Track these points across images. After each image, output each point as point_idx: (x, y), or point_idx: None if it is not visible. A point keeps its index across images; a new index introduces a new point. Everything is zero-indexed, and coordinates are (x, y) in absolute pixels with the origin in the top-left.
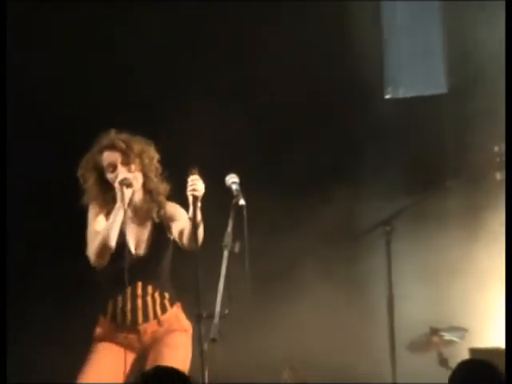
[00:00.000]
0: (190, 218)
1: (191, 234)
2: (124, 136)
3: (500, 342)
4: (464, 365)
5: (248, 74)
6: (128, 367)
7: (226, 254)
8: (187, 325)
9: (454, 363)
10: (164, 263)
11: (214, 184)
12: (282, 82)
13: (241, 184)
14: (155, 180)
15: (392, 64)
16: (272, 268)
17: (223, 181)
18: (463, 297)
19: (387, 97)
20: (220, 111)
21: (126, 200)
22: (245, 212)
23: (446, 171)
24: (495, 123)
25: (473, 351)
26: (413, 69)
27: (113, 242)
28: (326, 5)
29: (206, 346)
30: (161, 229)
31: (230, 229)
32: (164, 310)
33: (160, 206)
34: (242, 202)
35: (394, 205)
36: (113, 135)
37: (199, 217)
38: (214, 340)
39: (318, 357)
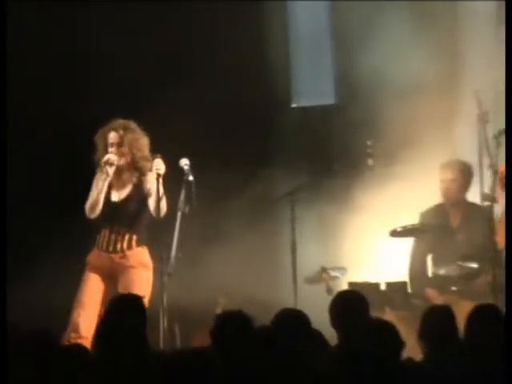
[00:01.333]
0: (154, 191)
1: (156, 203)
2: (126, 123)
3: (369, 278)
4: (340, 293)
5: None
6: (106, 288)
7: (179, 214)
8: (148, 262)
9: (336, 291)
10: (138, 215)
11: (173, 166)
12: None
13: (191, 165)
14: (141, 158)
15: (297, 76)
16: (212, 224)
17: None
18: (345, 245)
19: (294, 105)
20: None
21: (110, 173)
22: (193, 185)
23: (333, 159)
24: (370, 125)
25: (350, 284)
26: (312, 81)
27: (99, 203)
28: (237, 19)
29: (165, 278)
30: (139, 191)
31: (182, 197)
32: (130, 247)
33: (142, 174)
34: (190, 178)
35: (298, 181)
36: (120, 121)
37: (162, 190)
38: (170, 274)
39: (241, 288)
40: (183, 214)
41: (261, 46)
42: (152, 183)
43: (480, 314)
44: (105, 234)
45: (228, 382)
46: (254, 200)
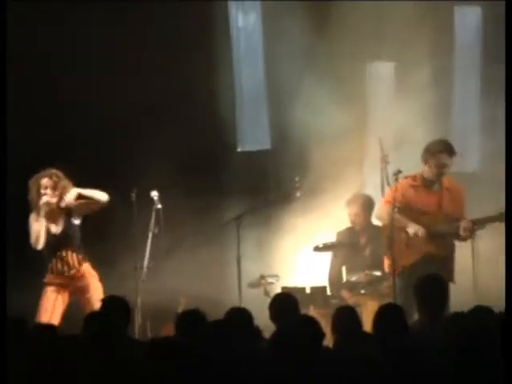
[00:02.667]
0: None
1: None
2: (56, 172)
3: (298, 284)
4: (276, 295)
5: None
6: (66, 300)
7: (150, 234)
8: (95, 274)
9: (272, 294)
10: (75, 239)
11: (146, 197)
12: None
13: (159, 196)
14: (69, 198)
15: (241, 125)
16: (176, 242)
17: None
18: (278, 257)
19: (238, 150)
20: None
21: (46, 211)
22: (161, 212)
23: (269, 192)
24: (298, 165)
25: (283, 288)
26: (252, 130)
27: (41, 236)
28: (189, 73)
29: (139, 283)
30: (70, 222)
31: (152, 221)
32: (80, 264)
33: (70, 210)
34: (159, 206)
35: (242, 209)
36: (52, 171)
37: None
38: (143, 281)
39: (198, 291)
40: (153, 234)
41: (211, 100)
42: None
43: (384, 311)
44: (56, 259)
45: (189, 362)
46: (208, 223)
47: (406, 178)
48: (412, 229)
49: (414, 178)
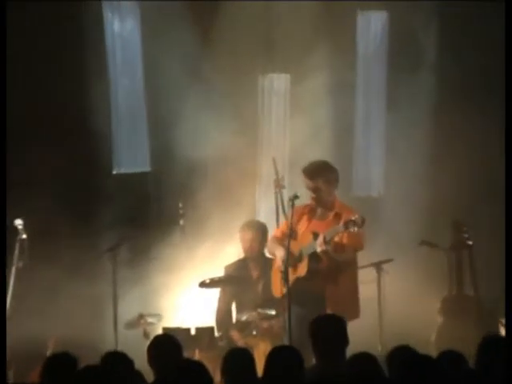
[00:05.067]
0: None
1: None
2: None
3: (182, 324)
4: (156, 337)
5: None
6: None
7: (13, 269)
8: None
9: (153, 336)
10: None
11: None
12: None
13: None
14: None
15: (117, 147)
16: (45, 277)
17: None
18: (160, 294)
19: (114, 172)
20: None
21: None
22: (26, 242)
23: (150, 219)
24: (178, 191)
25: (164, 329)
26: (131, 151)
27: None
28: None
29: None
30: None
31: (16, 252)
32: None
33: None
34: (24, 236)
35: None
36: None
37: None
38: (8, 319)
39: (69, 333)
40: (17, 269)
41: (83, 116)
42: None
43: (276, 355)
44: None
45: None
46: (79, 255)
47: (297, 206)
48: (278, 252)
49: (305, 206)
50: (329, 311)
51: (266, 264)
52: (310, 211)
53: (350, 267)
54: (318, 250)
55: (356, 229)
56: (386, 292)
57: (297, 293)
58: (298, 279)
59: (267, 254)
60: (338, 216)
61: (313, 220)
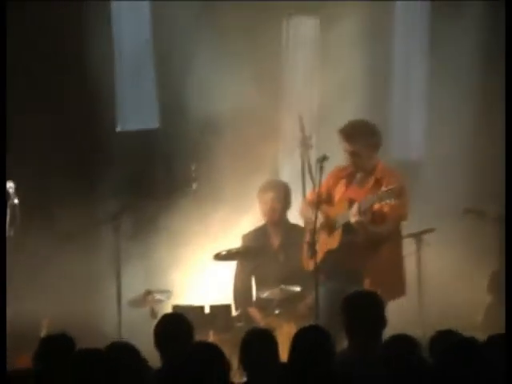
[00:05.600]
0: None
1: None
2: None
3: (194, 301)
4: (164, 316)
5: None
6: None
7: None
8: None
9: (161, 315)
10: None
11: None
12: None
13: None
14: None
15: (122, 103)
16: (38, 251)
17: None
18: (170, 268)
19: (118, 130)
20: None
21: None
22: (17, 208)
23: (158, 183)
24: (190, 151)
25: (174, 307)
26: (136, 108)
27: None
28: (59, 44)
29: None
30: None
31: (7, 219)
32: None
33: None
34: (15, 201)
35: (122, 205)
36: None
37: None
38: None
39: (67, 311)
40: (8, 238)
41: (83, 67)
42: None
43: (302, 337)
44: None
45: None
46: (79, 224)
47: (336, 167)
48: (308, 215)
49: (343, 167)
50: (367, 288)
51: (290, 231)
52: (349, 175)
53: (392, 239)
54: (352, 220)
55: (392, 200)
56: (426, 267)
57: (328, 267)
58: (329, 252)
59: (290, 220)
60: (378, 182)
61: (351, 185)
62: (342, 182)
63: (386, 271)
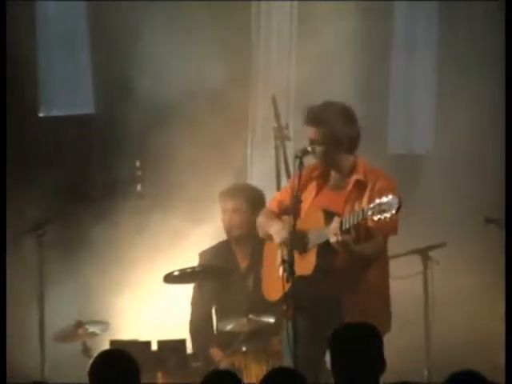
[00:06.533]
0: None
1: None
2: None
3: (138, 335)
4: (100, 354)
5: None
6: None
7: None
8: None
9: (96, 352)
10: None
11: None
12: None
13: None
14: None
15: (46, 84)
16: None
17: None
18: (107, 294)
19: (41, 115)
20: None
21: None
22: None
23: (92, 184)
24: (135, 143)
25: (113, 342)
26: (65, 89)
27: None
28: None
29: None
30: None
31: None
32: None
33: None
34: None
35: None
36: None
37: None
38: None
39: None
40: None
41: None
42: None
43: (275, 380)
44: None
45: None
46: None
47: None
48: (275, 231)
49: (313, 166)
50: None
51: (259, 249)
52: (321, 175)
53: (379, 260)
54: (333, 240)
55: (389, 215)
56: (434, 291)
57: (299, 295)
58: (300, 278)
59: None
60: (360, 185)
61: (324, 189)
62: (313, 185)
63: (370, 300)
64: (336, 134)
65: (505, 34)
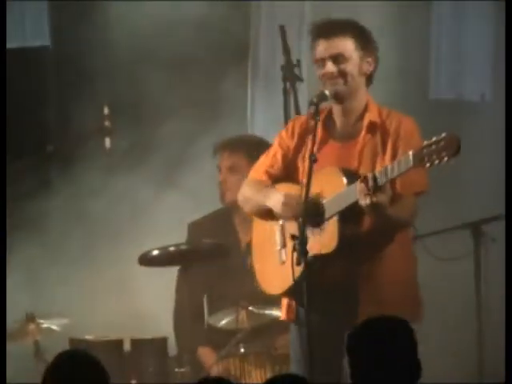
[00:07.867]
0: None
1: None
2: None
3: (106, 332)
4: (60, 356)
5: None
6: None
7: None
8: None
9: (53, 353)
10: None
11: None
12: None
13: None
14: None
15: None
16: None
17: None
18: (65, 281)
19: None
20: None
21: None
22: None
23: (46, 136)
24: (102, 83)
25: (73, 341)
26: (14, 17)
27: None
28: None
29: None
30: None
31: None
32: None
33: None
34: None
35: None
36: None
37: None
38: None
39: None
40: None
41: None
42: None
43: None
44: None
45: None
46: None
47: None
48: (274, 200)
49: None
50: (363, 315)
51: None
52: (324, 123)
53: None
54: (365, 202)
55: (445, 159)
56: (488, 275)
57: (312, 282)
58: (316, 259)
59: None
60: (373, 127)
61: (329, 141)
62: (309, 139)
63: (395, 283)
64: (364, 53)
65: (505, 33)
